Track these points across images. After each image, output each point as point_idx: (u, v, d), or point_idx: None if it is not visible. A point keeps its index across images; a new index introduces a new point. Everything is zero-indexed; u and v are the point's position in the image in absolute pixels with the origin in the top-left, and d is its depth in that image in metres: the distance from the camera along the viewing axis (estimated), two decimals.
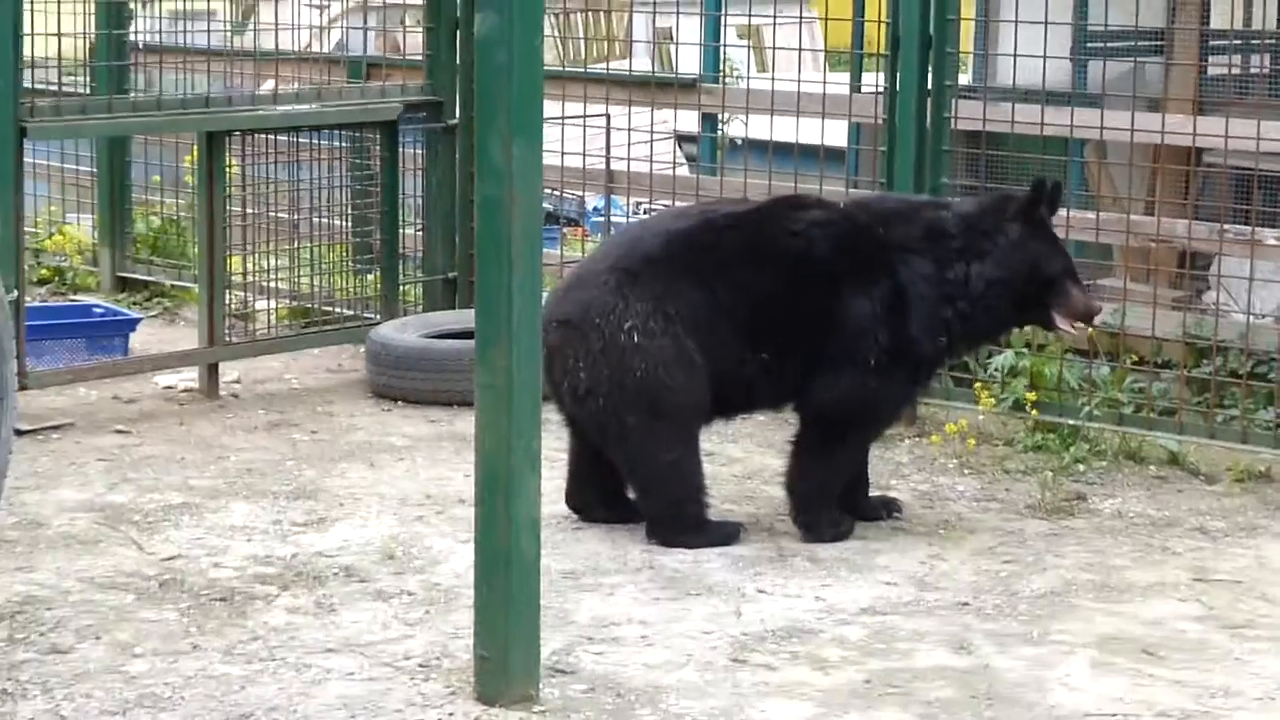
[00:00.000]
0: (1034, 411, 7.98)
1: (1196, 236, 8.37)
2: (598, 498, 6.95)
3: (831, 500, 6.84)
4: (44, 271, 10.99)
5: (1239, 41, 10.81)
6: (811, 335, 6.69)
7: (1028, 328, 8.03)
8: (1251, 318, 8.19)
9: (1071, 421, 7.98)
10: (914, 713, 5.27)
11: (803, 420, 6.89)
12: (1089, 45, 10.76)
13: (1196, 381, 8.11)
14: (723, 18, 12.48)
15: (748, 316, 6.67)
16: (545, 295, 6.39)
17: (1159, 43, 10.33)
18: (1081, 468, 7.73)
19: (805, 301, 6.69)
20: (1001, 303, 6.76)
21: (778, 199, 7.14)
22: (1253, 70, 10.72)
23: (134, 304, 10.44)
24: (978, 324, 6.81)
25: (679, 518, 6.68)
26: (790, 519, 6.86)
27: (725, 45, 13.09)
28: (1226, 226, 8.18)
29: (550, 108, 8.17)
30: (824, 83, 9.16)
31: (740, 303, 6.67)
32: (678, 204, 9.14)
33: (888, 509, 7.08)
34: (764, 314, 6.68)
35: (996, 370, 8.20)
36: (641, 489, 6.75)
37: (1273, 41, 10.87)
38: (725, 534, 6.75)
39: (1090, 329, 7.32)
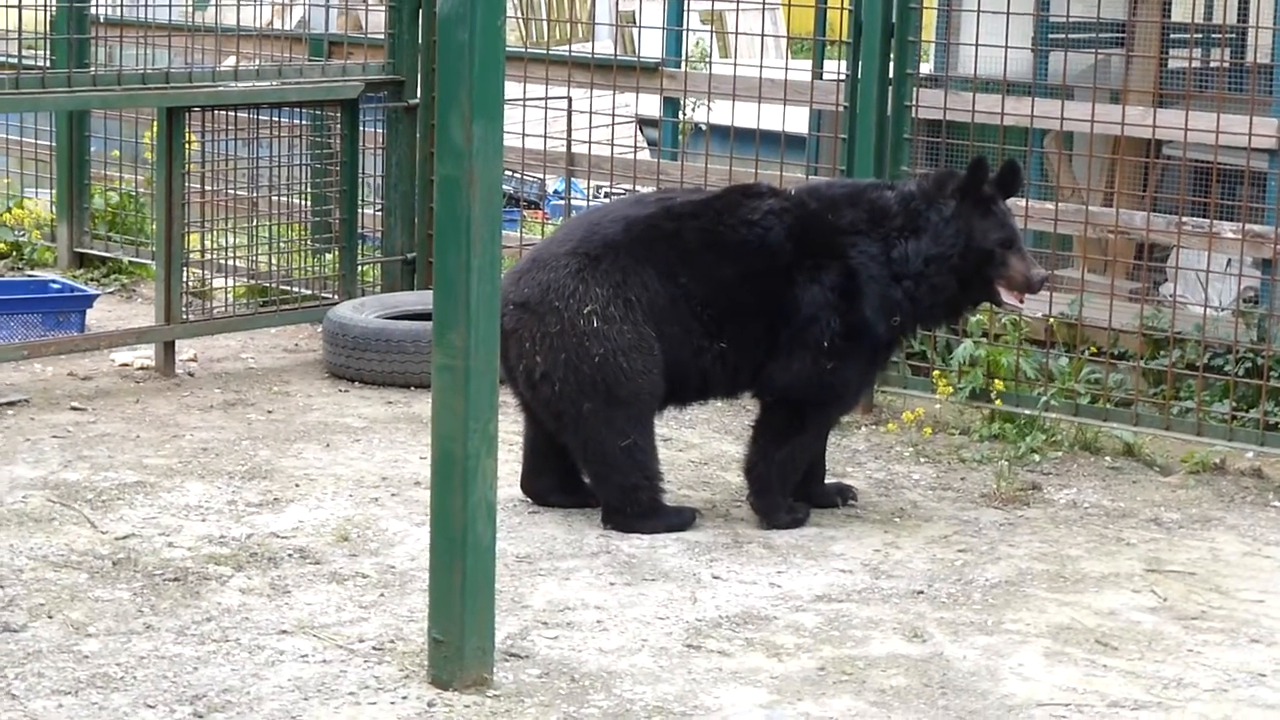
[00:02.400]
0: (998, 401, 7.99)
1: (1155, 229, 8.40)
2: (553, 483, 6.94)
3: (789, 486, 6.85)
4: (1, 246, 10.92)
5: (1200, 35, 10.84)
6: (768, 323, 6.70)
7: (990, 313, 8.06)
8: (1208, 310, 8.22)
9: (1028, 411, 8.00)
10: (867, 700, 5.28)
11: (763, 405, 6.91)
12: (1051, 36, 10.79)
13: (1153, 373, 8.13)
14: (686, 2, 12.47)
15: (707, 305, 6.68)
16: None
17: (1120, 35, 10.35)
18: (1037, 458, 7.75)
19: (762, 290, 6.70)
20: (943, 279, 6.75)
21: (732, 188, 7.16)
22: (1213, 64, 10.74)
23: (91, 280, 10.39)
24: (924, 302, 6.80)
25: (634, 503, 6.67)
26: (747, 503, 6.87)
27: (688, 30, 13.08)
28: (1184, 219, 8.21)
29: (512, 89, 8.13)
30: (786, 69, 9.16)
31: (700, 291, 6.68)
32: (636, 190, 9.13)
33: (843, 496, 7.10)
34: (723, 302, 6.69)
35: (955, 361, 8.21)
36: (596, 475, 6.74)
37: (1233, 35, 10.90)
38: (681, 520, 6.75)
39: (1043, 291, 7.16)
